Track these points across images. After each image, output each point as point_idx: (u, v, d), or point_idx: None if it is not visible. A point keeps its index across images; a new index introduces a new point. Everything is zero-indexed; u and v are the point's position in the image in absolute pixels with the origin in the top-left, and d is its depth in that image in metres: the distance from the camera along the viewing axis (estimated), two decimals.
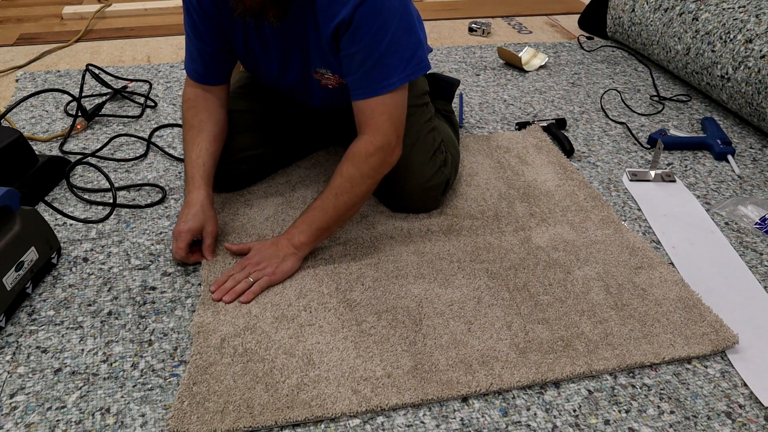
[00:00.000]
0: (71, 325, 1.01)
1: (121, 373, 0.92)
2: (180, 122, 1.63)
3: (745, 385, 0.93)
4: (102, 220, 1.22)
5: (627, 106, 1.78)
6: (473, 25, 2.34)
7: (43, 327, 1.00)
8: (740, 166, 1.50)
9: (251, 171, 1.33)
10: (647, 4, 1.96)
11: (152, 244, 1.19)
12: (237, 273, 1.07)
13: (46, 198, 1.30)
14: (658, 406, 0.90)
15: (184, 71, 1.23)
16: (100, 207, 1.30)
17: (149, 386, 0.90)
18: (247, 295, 1.04)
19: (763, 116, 1.54)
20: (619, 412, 0.89)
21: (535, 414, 0.88)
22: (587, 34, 2.33)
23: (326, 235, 1.13)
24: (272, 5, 1.00)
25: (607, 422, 0.87)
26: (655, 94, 1.86)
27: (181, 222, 1.11)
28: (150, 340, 0.98)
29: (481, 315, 1.03)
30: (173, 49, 2.17)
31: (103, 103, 1.64)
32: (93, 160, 1.44)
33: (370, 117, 1.07)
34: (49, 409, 0.87)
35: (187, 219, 1.11)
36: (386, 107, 1.06)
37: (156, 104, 1.73)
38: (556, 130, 1.59)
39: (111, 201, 1.28)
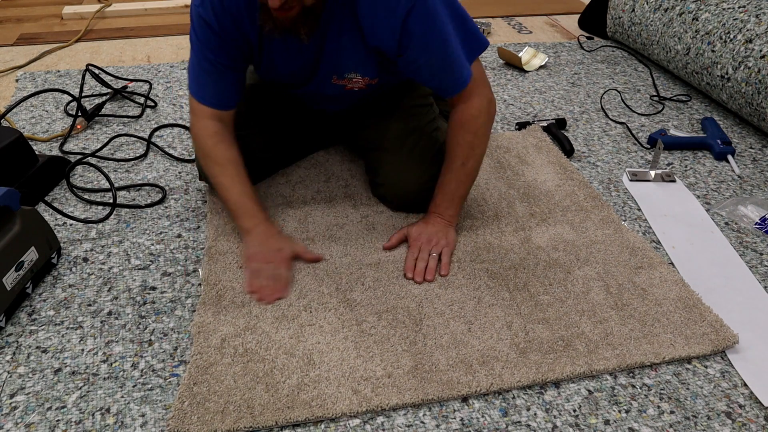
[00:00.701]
0: (71, 325, 1.01)
1: (121, 373, 0.92)
2: (180, 123, 1.63)
3: (745, 385, 0.93)
4: (102, 220, 1.22)
5: (627, 106, 1.78)
6: None
7: (43, 327, 1.00)
8: (740, 166, 1.50)
9: (252, 173, 1.32)
10: (647, 4, 1.96)
11: (152, 244, 1.19)
12: (421, 253, 1.13)
13: (46, 198, 1.30)
14: (658, 406, 0.90)
15: (189, 96, 1.16)
16: (100, 207, 1.30)
17: (149, 386, 0.90)
18: (444, 267, 1.12)
19: (763, 116, 1.54)
20: (619, 412, 0.89)
21: (535, 414, 0.88)
22: (587, 34, 2.33)
23: (465, 199, 1.21)
24: (304, 23, 0.99)
25: (607, 422, 0.87)
26: (655, 94, 1.86)
27: (284, 249, 1.12)
28: (150, 340, 0.98)
29: (481, 315, 1.03)
30: (173, 49, 2.17)
31: (103, 103, 1.64)
32: (93, 160, 1.44)
33: (462, 94, 1.12)
34: (49, 409, 0.87)
35: (285, 243, 1.14)
36: (472, 83, 1.11)
37: (156, 104, 1.73)
38: (556, 130, 1.59)
39: (111, 201, 1.28)
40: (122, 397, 0.89)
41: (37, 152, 1.34)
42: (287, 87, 1.23)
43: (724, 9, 1.69)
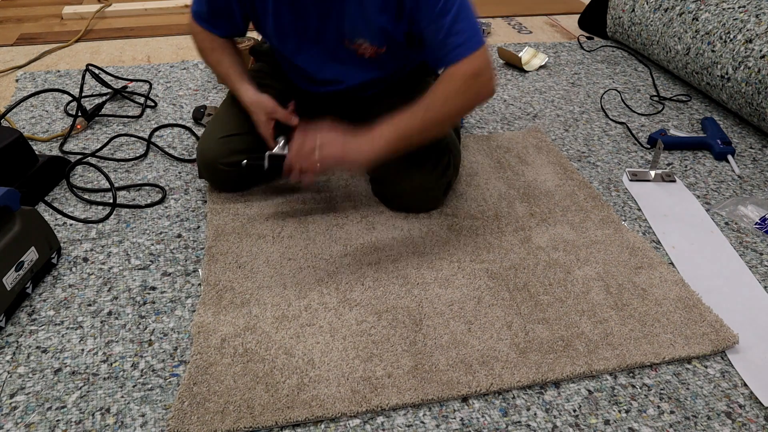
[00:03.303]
0: (71, 325, 1.01)
1: (121, 373, 0.92)
2: (180, 122, 1.63)
3: (745, 385, 0.93)
4: (102, 220, 1.22)
5: (627, 106, 1.78)
6: None
7: (43, 327, 1.00)
8: (740, 166, 1.50)
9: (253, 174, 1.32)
10: (647, 4, 1.96)
11: (152, 244, 1.19)
12: (304, 142, 1.06)
13: (46, 198, 1.30)
14: (658, 406, 0.90)
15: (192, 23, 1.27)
16: (100, 207, 1.30)
17: (149, 386, 0.90)
18: (309, 170, 1.07)
19: (763, 116, 1.54)
20: (619, 412, 0.89)
21: (535, 414, 0.88)
22: (587, 34, 2.33)
23: (401, 147, 1.07)
24: None
25: (607, 422, 0.87)
26: (655, 94, 1.86)
27: (271, 109, 1.20)
28: (150, 340, 0.98)
29: (481, 315, 1.03)
30: (173, 49, 2.17)
31: (103, 103, 1.64)
32: (93, 160, 1.44)
33: (465, 60, 1.04)
34: (49, 409, 0.87)
35: (270, 100, 1.20)
36: (481, 56, 1.04)
37: (156, 104, 1.73)
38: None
39: (111, 201, 1.28)
40: (122, 397, 0.89)
41: (37, 152, 1.34)
42: (296, 50, 1.22)
43: (724, 9, 1.69)
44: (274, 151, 1.20)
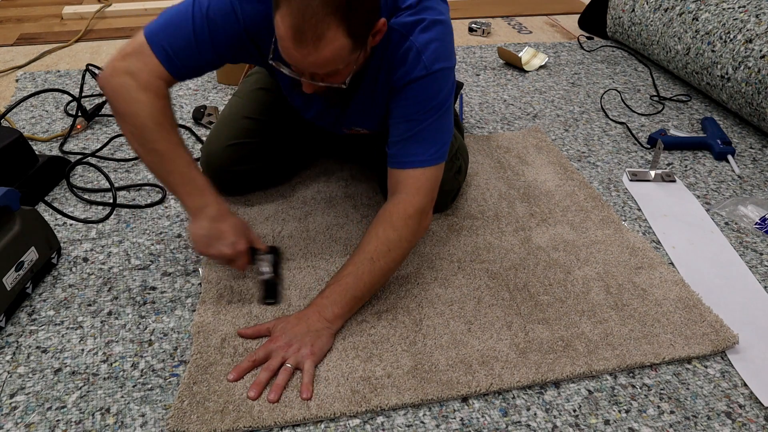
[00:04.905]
0: (71, 325, 1.01)
1: (121, 373, 0.92)
2: (180, 123, 1.63)
3: (745, 385, 0.93)
4: (102, 220, 1.22)
5: (627, 106, 1.78)
6: (473, 25, 2.34)
7: (43, 327, 1.00)
8: (740, 166, 1.50)
9: (259, 178, 1.32)
10: (647, 4, 1.96)
11: (152, 244, 1.19)
12: (270, 360, 0.90)
13: (46, 198, 1.30)
14: (658, 406, 0.90)
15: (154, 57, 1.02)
16: (100, 207, 1.30)
17: (149, 386, 0.90)
18: (305, 387, 0.88)
19: (763, 116, 1.54)
20: (619, 412, 0.89)
21: (535, 414, 0.88)
22: (587, 34, 2.33)
23: (359, 306, 1.00)
24: (337, 93, 0.97)
25: (607, 422, 0.87)
26: (655, 94, 1.86)
27: (239, 241, 1.00)
28: (150, 340, 0.98)
29: (481, 315, 1.03)
30: None
31: (103, 103, 1.64)
32: (93, 160, 1.44)
33: (410, 180, 1.00)
34: (49, 409, 0.87)
35: (239, 231, 1.01)
36: (429, 174, 1.00)
37: None
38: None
39: (111, 201, 1.28)
40: (122, 397, 0.89)
41: (37, 152, 1.34)
42: (301, 109, 1.20)
43: (724, 9, 1.69)
44: (267, 277, 1.05)
